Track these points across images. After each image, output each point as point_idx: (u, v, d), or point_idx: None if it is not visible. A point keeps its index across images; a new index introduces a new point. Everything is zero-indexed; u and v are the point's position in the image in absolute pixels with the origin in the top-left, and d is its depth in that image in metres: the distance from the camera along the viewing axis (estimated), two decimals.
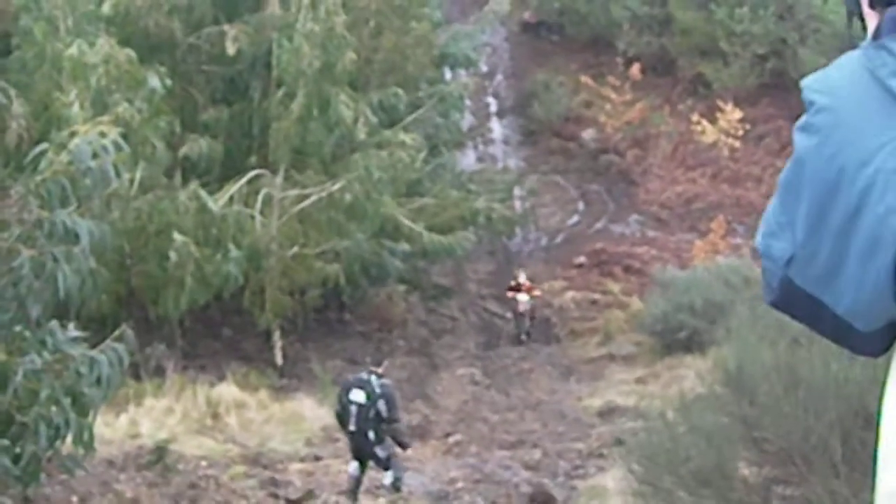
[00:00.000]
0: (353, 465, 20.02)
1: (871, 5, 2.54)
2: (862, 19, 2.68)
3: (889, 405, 2.45)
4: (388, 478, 19.95)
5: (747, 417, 9.05)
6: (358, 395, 19.71)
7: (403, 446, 20.93)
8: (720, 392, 9.90)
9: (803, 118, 2.44)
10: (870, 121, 2.35)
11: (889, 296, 2.36)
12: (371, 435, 19.71)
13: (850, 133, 2.35)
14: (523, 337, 38.63)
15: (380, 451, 19.78)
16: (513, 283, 39.60)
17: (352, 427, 19.76)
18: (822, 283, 2.43)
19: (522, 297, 38.72)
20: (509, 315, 40.22)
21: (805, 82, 2.47)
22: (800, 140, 2.43)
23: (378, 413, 19.72)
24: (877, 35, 2.46)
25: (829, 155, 2.36)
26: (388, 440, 20.06)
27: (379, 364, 20.62)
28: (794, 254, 2.44)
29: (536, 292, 39.60)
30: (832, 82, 2.44)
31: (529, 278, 40.47)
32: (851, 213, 2.34)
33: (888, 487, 2.42)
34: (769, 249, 2.51)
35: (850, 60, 2.45)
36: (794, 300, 2.51)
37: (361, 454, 19.82)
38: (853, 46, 2.56)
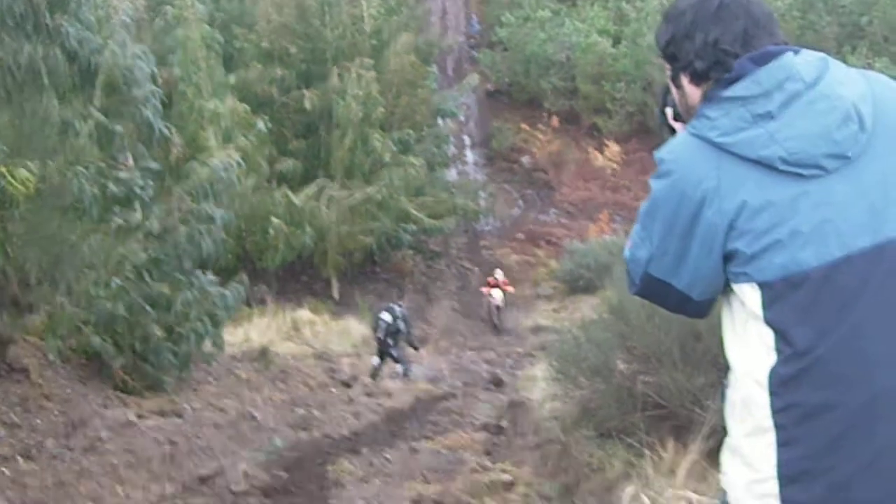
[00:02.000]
0: (375, 359, 20.12)
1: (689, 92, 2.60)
2: (670, 129, 2.74)
3: (730, 356, 2.46)
4: (399, 368, 20.03)
5: (623, 333, 9.05)
6: (386, 316, 19.89)
7: (416, 348, 21.13)
8: (606, 317, 9.89)
9: (656, 172, 2.44)
10: (697, 162, 2.36)
11: (720, 273, 2.37)
12: (391, 341, 19.79)
13: (686, 171, 2.36)
14: (496, 322, 30.54)
15: (394, 352, 19.88)
16: (490, 280, 32.11)
17: (379, 335, 19.87)
18: (671, 271, 2.42)
19: (497, 294, 31.03)
20: (484, 310, 31.72)
21: (657, 153, 2.47)
22: (655, 185, 2.43)
23: (398, 328, 19.81)
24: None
25: (675, 187, 2.37)
26: (402, 345, 20.14)
27: (401, 298, 20.83)
28: (651, 255, 2.44)
29: (510, 288, 32.01)
30: (674, 147, 2.45)
31: (500, 265, 35.57)
32: (691, 220, 2.35)
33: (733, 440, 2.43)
34: (634, 256, 2.50)
35: (683, 135, 2.46)
36: (651, 287, 2.50)
37: (383, 353, 19.93)
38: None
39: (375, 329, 20.30)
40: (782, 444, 2.27)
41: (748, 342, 2.35)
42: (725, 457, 2.45)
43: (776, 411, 2.27)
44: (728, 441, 2.43)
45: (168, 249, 13.56)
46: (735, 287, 2.36)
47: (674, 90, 2.67)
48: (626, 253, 2.55)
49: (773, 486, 2.28)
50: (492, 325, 30.70)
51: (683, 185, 2.35)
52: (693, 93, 2.56)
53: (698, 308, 2.49)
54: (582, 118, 49.77)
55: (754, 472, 2.32)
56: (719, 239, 2.32)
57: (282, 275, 31.36)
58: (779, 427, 2.27)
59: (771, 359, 2.28)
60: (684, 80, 2.58)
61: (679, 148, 2.43)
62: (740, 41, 2.45)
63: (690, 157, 2.38)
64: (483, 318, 31.53)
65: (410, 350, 21.13)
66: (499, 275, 32.40)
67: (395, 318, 20.03)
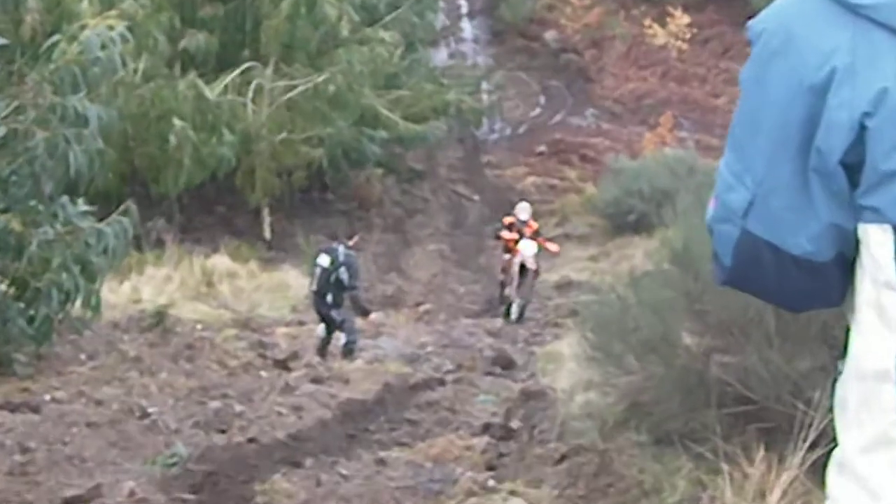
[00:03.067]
0: (321, 327, 20.19)
1: None
2: None
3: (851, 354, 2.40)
4: (341, 339, 20.07)
5: (691, 292, 9.05)
6: (323, 260, 19.86)
7: (364, 313, 21.07)
8: (666, 269, 9.89)
9: (751, 56, 2.37)
10: (820, 31, 2.28)
11: (846, 200, 2.27)
12: (329, 298, 19.81)
13: (802, 44, 2.29)
14: (518, 301, 25.10)
15: (335, 314, 19.90)
16: (508, 221, 26.44)
17: (313, 287, 19.94)
18: (783, 220, 2.31)
19: (528, 248, 25.52)
20: (501, 276, 26.59)
21: (750, 23, 2.40)
22: (751, 71, 2.36)
23: (339, 279, 19.81)
24: None
25: (786, 69, 2.29)
26: (345, 306, 20.15)
27: (350, 237, 20.71)
28: (753, 196, 2.32)
29: (551, 246, 26.90)
30: (777, 10, 2.38)
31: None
32: (810, 120, 2.26)
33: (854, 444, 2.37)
34: (726, 206, 2.38)
35: None
36: (753, 261, 2.37)
37: (320, 315, 19.98)
38: None
39: (311, 279, 20.34)
40: None
41: (871, 317, 2.32)
42: (833, 476, 2.44)
43: None
44: (837, 455, 2.42)
45: (19, 165, 13.50)
46: (858, 230, 2.32)
47: None
48: (710, 210, 2.45)
49: None
50: (506, 304, 25.65)
51: (798, 65, 2.28)
52: None
53: (832, 290, 2.39)
54: None
55: (874, 499, 2.31)
56: (842, 143, 2.25)
57: (188, 204, 31.37)
58: None
59: None
60: None
61: (788, 10, 2.36)
62: None
63: (809, 21, 2.31)
64: (499, 295, 26.71)
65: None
66: (524, 213, 26.61)
67: (333, 262, 20.00)
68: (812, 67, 2.26)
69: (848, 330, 2.42)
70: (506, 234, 26.22)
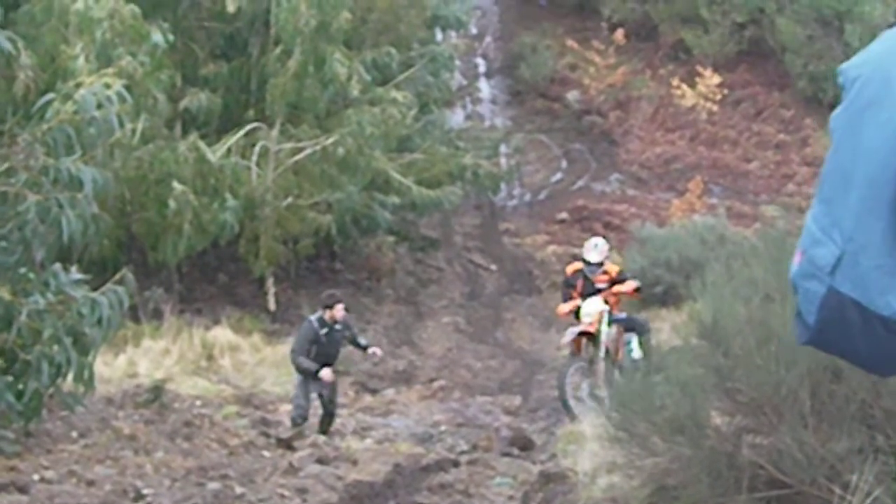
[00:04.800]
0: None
1: None
2: None
3: None
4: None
5: (721, 368, 9.06)
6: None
7: (364, 348, 20.84)
8: (695, 344, 9.89)
9: (844, 103, 2.34)
10: None
11: None
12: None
13: None
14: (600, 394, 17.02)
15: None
16: (570, 269, 20.81)
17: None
18: (873, 280, 2.27)
19: (595, 308, 19.46)
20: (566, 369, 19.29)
21: (842, 67, 2.37)
22: (844, 123, 2.33)
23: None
24: None
25: (883, 119, 2.25)
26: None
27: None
28: (842, 252, 2.30)
29: (631, 290, 20.45)
30: (874, 55, 2.34)
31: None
32: None
33: None
34: (812, 261, 2.36)
35: (890, 34, 2.36)
36: (837, 318, 2.33)
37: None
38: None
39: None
40: None
41: None
42: None
43: None
44: None
45: (9, 230, 13.55)
46: None
47: None
48: (796, 265, 2.42)
49: None
50: (570, 409, 19.12)
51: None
52: None
53: None
54: (661, 32, 49.85)
55: None
56: None
57: (188, 273, 31.42)
58: None
59: None
60: None
61: (887, 56, 2.33)
62: None
63: None
64: (560, 389, 19.50)
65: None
66: (590, 250, 20.46)
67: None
68: None
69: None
70: (564, 306, 20.43)
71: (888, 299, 2.24)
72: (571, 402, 18.94)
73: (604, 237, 22.58)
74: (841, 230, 2.29)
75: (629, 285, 20.48)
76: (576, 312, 19.84)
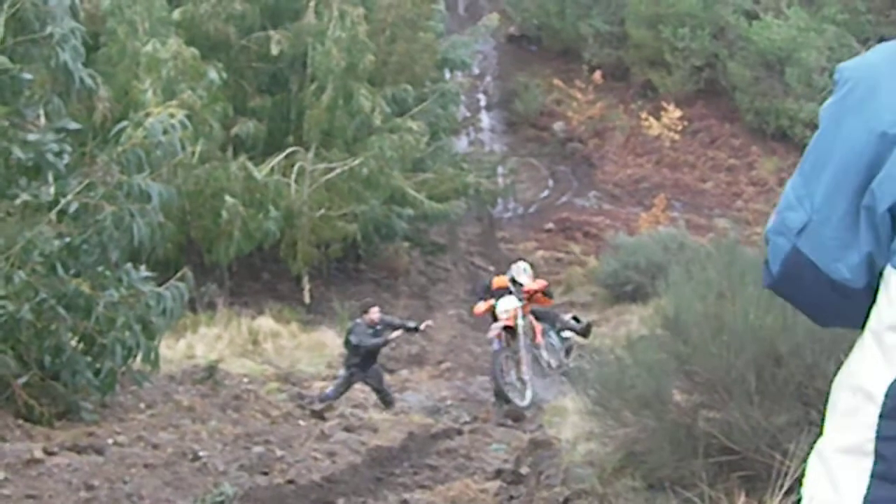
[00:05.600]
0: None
1: None
2: None
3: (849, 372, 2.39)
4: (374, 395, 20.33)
5: (681, 354, 9.02)
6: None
7: (414, 329, 21.69)
8: (659, 334, 9.86)
9: (834, 97, 2.34)
10: None
11: (885, 242, 2.27)
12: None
13: (885, 97, 2.26)
14: (512, 388, 19.29)
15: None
16: (499, 283, 20.78)
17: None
18: (830, 250, 2.32)
19: (510, 305, 19.80)
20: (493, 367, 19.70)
21: (840, 66, 2.37)
22: (830, 111, 2.35)
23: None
24: None
25: (865, 117, 2.26)
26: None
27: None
28: (809, 220, 2.33)
29: (544, 297, 20.86)
30: (869, 61, 2.34)
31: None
32: (873, 165, 2.24)
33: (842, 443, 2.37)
34: (784, 222, 2.38)
35: (887, 45, 2.36)
36: (796, 274, 2.38)
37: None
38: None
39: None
40: (879, 476, 2.25)
41: (873, 345, 2.31)
42: (812, 463, 2.44)
43: (882, 438, 2.27)
44: (819, 445, 2.43)
45: (89, 235, 13.54)
46: (885, 270, 2.28)
47: None
48: (771, 222, 2.44)
49: None
50: (503, 394, 19.36)
51: (876, 114, 2.25)
52: None
53: (858, 314, 2.36)
54: (632, 73, 49.78)
55: (837, 496, 2.32)
56: (893, 196, 2.22)
57: (237, 272, 31.39)
58: (880, 457, 2.25)
59: (892, 373, 2.27)
60: None
61: (880, 63, 2.33)
62: None
63: (894, 68, 2.30)
64: (494, 382, 19.84)
65: (402, 371, 21.13)
66: (520, 272, 20.77)
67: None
68: (888, 121, 2.23)
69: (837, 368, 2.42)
70: (481, 308, 20.81)
71: (838, 266, 2.29)
72: (506, 389, 19.22)
73: (531, 264, 22.62)
74: (811, 201, 2.32)
75: (538, 283, 20.93)
76: (493, 312, 20.17)
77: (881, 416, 2.25)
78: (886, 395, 2.24)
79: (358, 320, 20.34)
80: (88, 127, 15.19)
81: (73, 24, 12.77)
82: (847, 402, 2.34)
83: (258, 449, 14.36)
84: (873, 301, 2.31)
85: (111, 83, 25.67)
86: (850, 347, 2.39)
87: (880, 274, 2.28)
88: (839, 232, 2.29)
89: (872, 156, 2.23)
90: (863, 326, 2.36)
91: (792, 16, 43.87)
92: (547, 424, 16.55)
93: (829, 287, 2.34)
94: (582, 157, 47.24)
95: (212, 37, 31.44)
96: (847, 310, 2.36)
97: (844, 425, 2.34)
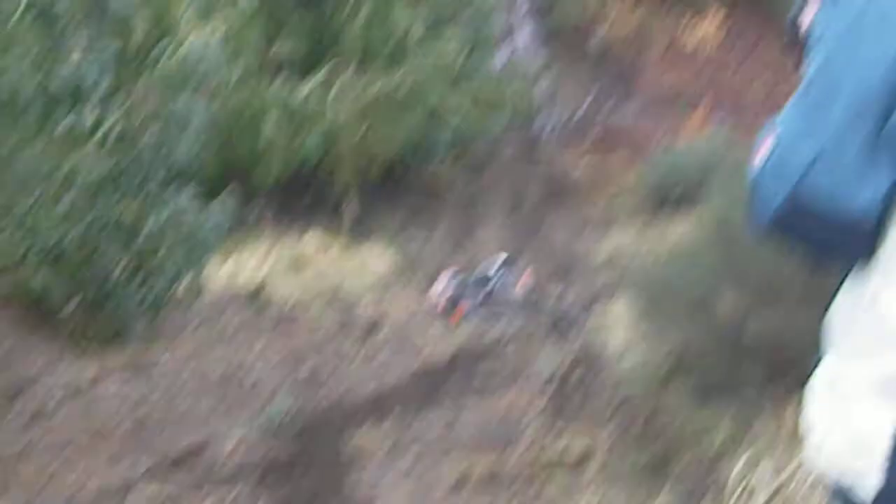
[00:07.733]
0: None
1: None
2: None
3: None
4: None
5: (731, 259, 9.01)
6: None
7: None
8: (708, 239, 9.83)
9: (838, 15, 2.06)
10: None
11: None
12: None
13: None
14: None
15: None
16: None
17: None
18: (850, 182, 2.00)
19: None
20: None
21: None
22: (841, 38, 2.03)
23: None
24: None
25: (886, 43, 1.97)
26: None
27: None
28: (821, 150, 2.00)
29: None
30: None
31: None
32: (893, 97, 1.95)
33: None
34: (787, 153, 2.07)
35: None
36: (805, 211, 2.05)
37: None
38: None
39: None
40: None
41: None
42: (819, 396, 2.18)
43: None
44: (829, 375, 2.18)
45: (132, 159, 13.55)
46: None
47: None
48: (762, 162, 2.15)
49: None
50: None
51: None
52: None
53: (863, 244, 2.07)
54: None
55: (857, 439, 2.02)
56: None
57: (281, 192, 31.45)
58: None
59: None
60: None
61: None
62: None
63: None
64: None
65: None
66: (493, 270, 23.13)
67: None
68: None
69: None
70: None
71: (855, 198, 1.98)
72: None
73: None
74: (825, 128, 2.00)
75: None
76: None
77: None
78: None
79: None
80: (125, 52, 15.11)
81: None
82: (874, 328, 2.05)
83: (308, 367, 14.46)
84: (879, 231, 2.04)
85: (147, 5, 25.61)
86: None
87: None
88: (857, 163, 1.98)
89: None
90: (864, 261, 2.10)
91: None
92: (596, 332, 16.59)
93: (837, 223, 2.03)
94: (623, 66, 46.93)
95: None
96: (851, 245, 2.08)
97: (873, 352, 2.04)
